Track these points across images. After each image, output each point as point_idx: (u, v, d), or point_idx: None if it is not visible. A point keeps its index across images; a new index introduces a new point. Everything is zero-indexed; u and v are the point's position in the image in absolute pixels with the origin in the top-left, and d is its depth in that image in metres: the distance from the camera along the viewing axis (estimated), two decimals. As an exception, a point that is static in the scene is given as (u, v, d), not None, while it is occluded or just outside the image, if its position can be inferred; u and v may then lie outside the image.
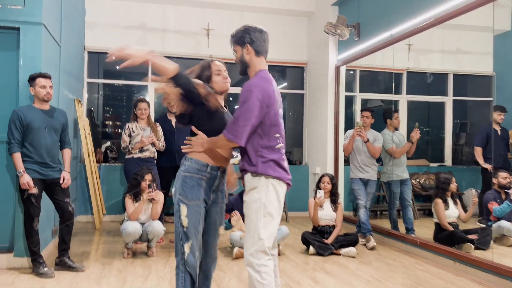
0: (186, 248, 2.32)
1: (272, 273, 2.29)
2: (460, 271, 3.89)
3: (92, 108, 6.72)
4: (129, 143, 4.96)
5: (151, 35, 6.65)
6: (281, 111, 2.42)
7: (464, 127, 7.24)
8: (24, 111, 3.60)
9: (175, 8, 6.73)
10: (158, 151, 5.14)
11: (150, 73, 2.31)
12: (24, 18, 3.82)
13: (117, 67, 2.37)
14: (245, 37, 2.38)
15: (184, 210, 2.33)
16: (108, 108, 7.24)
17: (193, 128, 2.42)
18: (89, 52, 6.52)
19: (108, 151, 6.40)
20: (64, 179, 3.72)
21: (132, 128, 5.00)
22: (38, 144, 3.60)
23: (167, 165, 5.25)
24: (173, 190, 2.44)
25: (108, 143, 6.53)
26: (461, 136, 7.24)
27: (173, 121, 5.39)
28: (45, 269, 3.59)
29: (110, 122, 7.28)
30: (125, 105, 7.33)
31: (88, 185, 5.75)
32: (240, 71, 2.47)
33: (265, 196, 2.29)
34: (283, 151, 2.40)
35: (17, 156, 3.53)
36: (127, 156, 5.02)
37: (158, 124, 5.19)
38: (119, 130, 7.23)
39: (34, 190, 3.55)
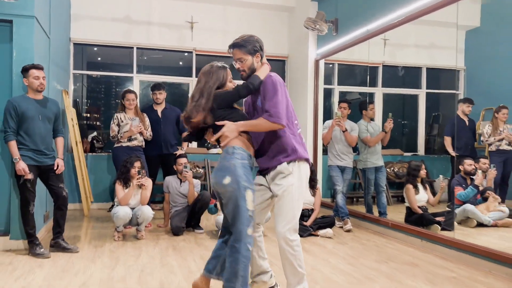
0: (250, 231, 2.45)
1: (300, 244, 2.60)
2: (426, 248, 4.25)
3: (77, 99, 6.86)
4: (118, 132, 5.16)
5: (136, 27, 6.80)
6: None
7: (436, 118, 7.64)
8: (18, 101, 3.77)
9: (160, 1, 6.90)
10: (145, 140, 5.35)
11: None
12: (17, 11, 3.98)
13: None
14: (256, 46, 2.62)
15: (250, 195, 2.46)
16: (91, 100, 7.37)
17: (218, 123, 2.55)
18: (74, 44, 6.65)
19: (95, 141, 6.56)
20: (58, 165, 3.92)
21: (120, 118, 5.20)
22: (32, 132, 3.79)
23: (154, 153, 5.47)
24: (228, 179, 2.44)
25: (95, 133, 6.69)
26: (434, 127, 7.64)
27: (159, 111, 5.61)
28: (42, 250, 3.80)
29: (94, 114, 7.41)
30: (109, 97, 7.46)
31: (76, 174, 5.92)
32: (246, 77, 2.65)
33: (298, 181, 2.59)
34: (302, 136, 2.72)
35: (13, 144, 3.71)
36: (116, 145, 5.22)
37: (145, 114, 5.40)
38: (98, 122, 7.38)
39: (30, 176, 3.74)
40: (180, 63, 7.49)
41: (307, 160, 2.65)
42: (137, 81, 6.91)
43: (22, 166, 3.68)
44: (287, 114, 2.58)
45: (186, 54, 7.18)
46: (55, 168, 3.91)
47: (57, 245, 3.95)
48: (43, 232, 4.52)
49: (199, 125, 2.60)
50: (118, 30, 6.73)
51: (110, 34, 6.70)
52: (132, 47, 6.82)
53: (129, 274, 3.32)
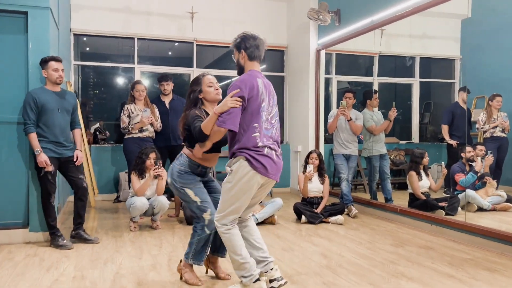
0: (206, 215, 2.92)
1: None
2: (436, 232, 4.43)
3: (76, 91, 6.79)
4: (128, 123, 5.17)
5: (135, 18, 6.75)
6: (265, 104, 2.64)
7: (428, 107, 7.85)
8: (38, 93, 3.76)
9: (159, -9, 6.86)
10: (155, 131, 5.37)
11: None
12: (32, 3, 3.93)
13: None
14: (241, 44, 2.71)
15: (189, 190, 2.93)
16: (87, 91, 7.27)
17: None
18: (74, 35, 6.57)
19: (97, 133, 6.53)
20: (77, 157, 3.94)
21: (131, 109, 5.20)
22: (52, 124, 3.79)
23: (162, 145, 5.49)
24: (169, 179, 2.99)
25: (97, 125, 6.65)
26: (426, 115, 7.85)
27: (167, 102, 5.62)
28: (64, 241, 3.82)
29: (91, 105, 7.31)
30: (108, 88, 7.37)
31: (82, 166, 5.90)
32: (238, 72, 2.79)
33: (233, 177, 2.63)
34: (265, 140, 2.62)
35: (34, 136, 3.70)
36: (126, 136, 5.23)
37: (154, 105, 5.41)
38: (102, 114, 7.33)
39: (51, 168, 3.75)
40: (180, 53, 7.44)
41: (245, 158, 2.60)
42: (138, 72, 6.89)
43: (44, 158, 3.68)
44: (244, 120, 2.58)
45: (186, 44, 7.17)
46: (74, 160, 3.93)
47: (78, 236, 3.98)
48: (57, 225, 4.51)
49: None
50: (118, 21, 6.67)
51: (110, 24, 6.64)
52: (133, 38, 6.78)
53: (158, 263, 3.39)
